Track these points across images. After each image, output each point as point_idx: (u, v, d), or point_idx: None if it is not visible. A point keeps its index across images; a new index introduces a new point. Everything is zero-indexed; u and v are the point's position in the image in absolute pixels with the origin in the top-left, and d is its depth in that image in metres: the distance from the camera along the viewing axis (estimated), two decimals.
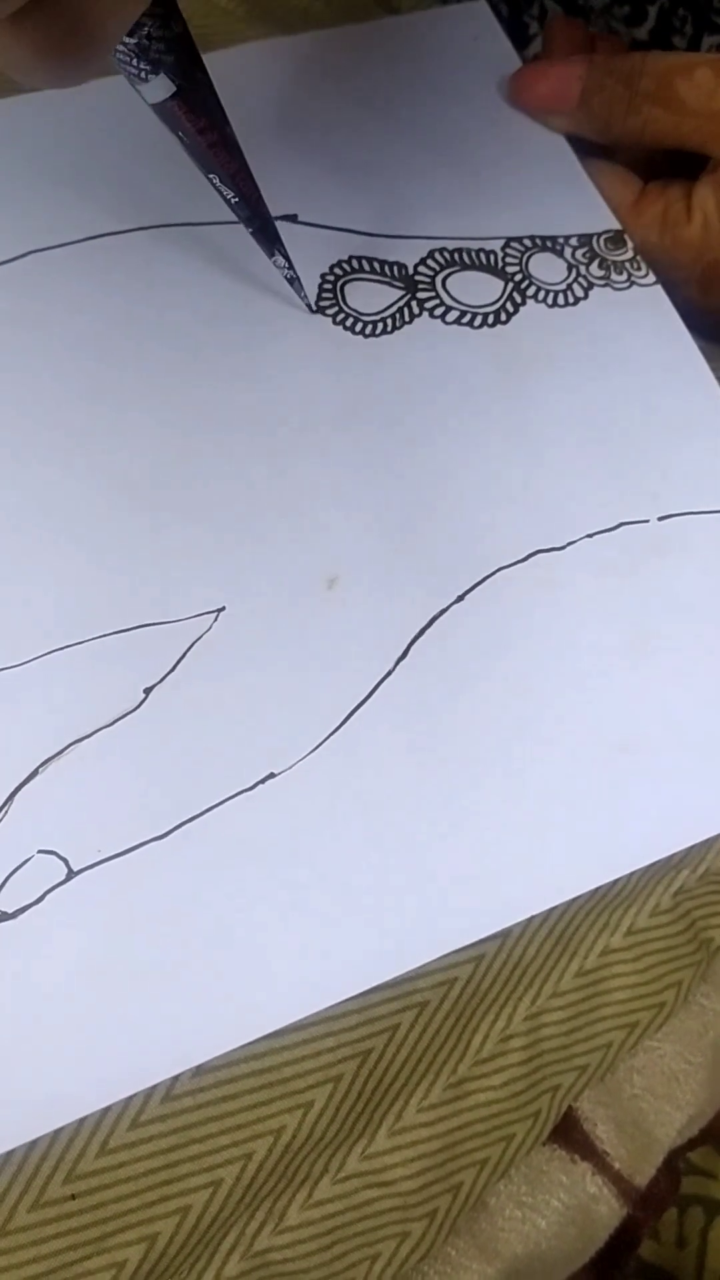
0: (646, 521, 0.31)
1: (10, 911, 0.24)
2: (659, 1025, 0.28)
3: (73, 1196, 0.23)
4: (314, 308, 0.32)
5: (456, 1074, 0.26)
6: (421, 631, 0.29)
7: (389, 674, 0.28)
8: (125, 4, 0.19)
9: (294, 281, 0.31)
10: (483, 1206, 0.27)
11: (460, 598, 0.29)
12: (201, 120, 0.25)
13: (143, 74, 0.23)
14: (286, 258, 0.30)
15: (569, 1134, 0.28)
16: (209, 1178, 0.24)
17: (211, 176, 0.27)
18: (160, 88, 0.23)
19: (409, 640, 0.29)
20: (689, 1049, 0.29)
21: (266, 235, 0.30)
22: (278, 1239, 0.25)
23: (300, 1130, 0.25)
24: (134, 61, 0.23)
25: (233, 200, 0.28)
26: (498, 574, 0.30)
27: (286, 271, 0.31)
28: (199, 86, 0.24)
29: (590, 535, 0.31)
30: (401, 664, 0.28)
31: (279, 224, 0.30)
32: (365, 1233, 0.25)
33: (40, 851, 0.25)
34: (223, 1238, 0.24)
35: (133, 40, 0.23)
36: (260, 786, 0.26)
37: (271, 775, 0.27)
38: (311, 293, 0.32)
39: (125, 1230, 0.23)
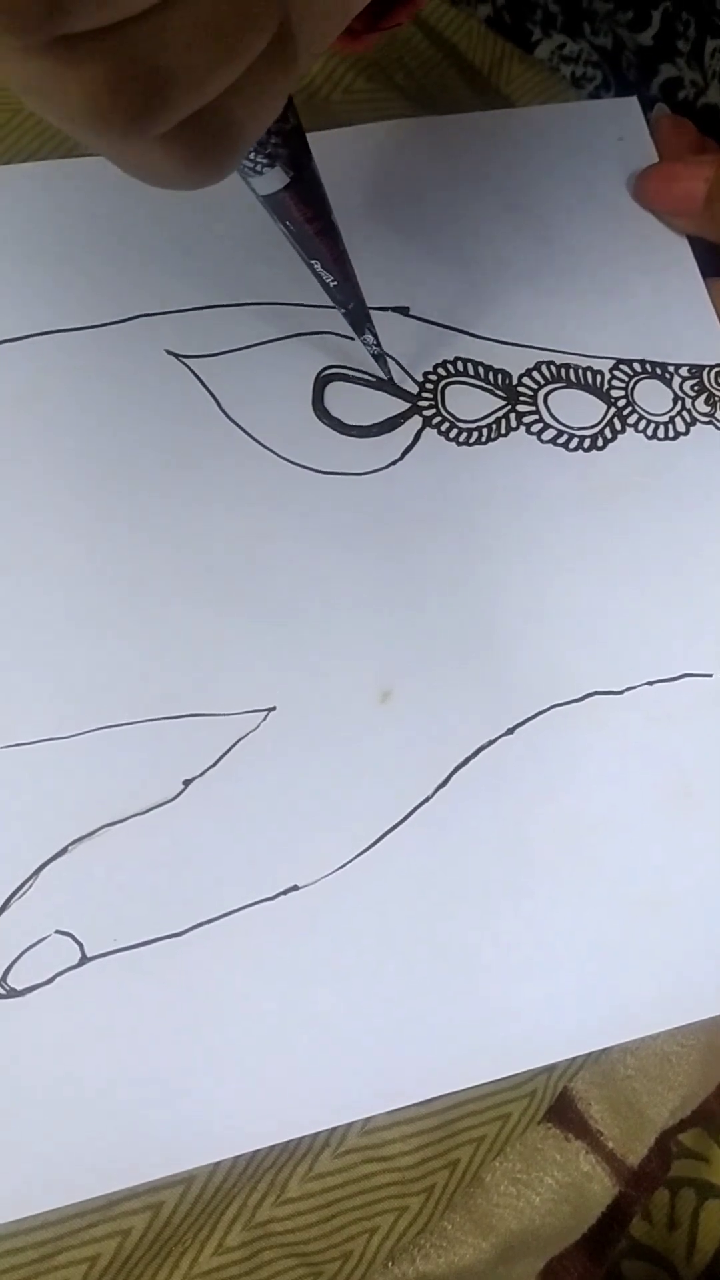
0: (710, 676, 0.30)
1: (19, 989, 0.24)
2: None
3: None
4: (396, 385, 0.31)
5: None
6: (466, 760, 0.28)
7: (426, 800, 0.27)
8: (265, 107, 0.19)
9: (379, 359, 0.31)
10: (479, 1183, 0.28)
11: (510, 730, 0.28)
12: (310, 210, 0.25)
13: (258, 167, 0.23)
14: (375, 336, 0.30)
15: (564, 1113, 0.28)
16: None
17: (314, 262, 0.27)
18: (274, 180, 0.23)
19: (452, 768, 0.28)
20: (682, 1032, 0.29)
21: (359, 317, 0.29)
22: (279, 1210, 0.25)
23: None
24: (251, 156, 0.23)
25: (332, 284, 0.28)
26: (552, 710, 0.29)
27: (374, 349, 0.30)
28: (308, 177, 0.24)
29: (651, 683, 0.30)
30: (441, 791, 0.27)
31: (392, 314, 0.30)
32: (364, 1206, 0.26)
33: (58, 932, 0.25)
34: (225, 1208, 0.25)
35: None
36: (282, 898, 0.26)
37: (295, 888, 0.26)
38: (412, 389, 0.31)
39: (131, 1199, 0.24)
